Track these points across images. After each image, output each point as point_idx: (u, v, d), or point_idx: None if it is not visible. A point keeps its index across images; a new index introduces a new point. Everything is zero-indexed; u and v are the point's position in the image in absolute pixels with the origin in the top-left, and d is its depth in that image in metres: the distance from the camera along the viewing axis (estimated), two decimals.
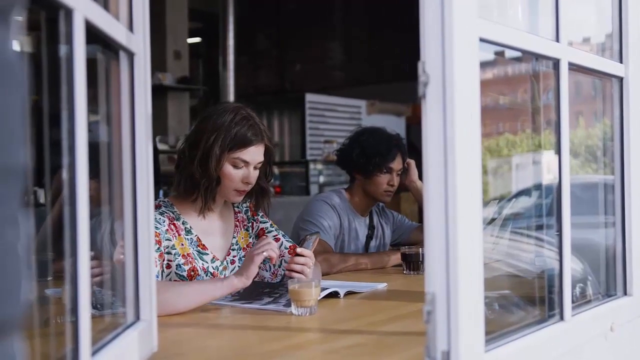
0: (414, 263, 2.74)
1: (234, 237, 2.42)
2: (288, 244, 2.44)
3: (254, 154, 2.27)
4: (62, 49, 1.05)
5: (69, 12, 1.03)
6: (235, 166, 2.26)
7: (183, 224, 2.30)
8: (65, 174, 1.05)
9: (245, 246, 2.44)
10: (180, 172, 2.29)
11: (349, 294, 2.27)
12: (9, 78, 0.58)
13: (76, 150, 1.05)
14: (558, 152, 1.58)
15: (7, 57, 0.59)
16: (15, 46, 0.60)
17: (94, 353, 1.13)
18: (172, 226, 2.23)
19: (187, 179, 2.27)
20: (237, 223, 2.45)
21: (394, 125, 6.42)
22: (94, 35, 1.15)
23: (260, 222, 2.49)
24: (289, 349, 1.63)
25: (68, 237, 1.05)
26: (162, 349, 1.51)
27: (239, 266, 2.36)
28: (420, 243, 3.03)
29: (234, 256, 2.40)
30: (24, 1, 0.63)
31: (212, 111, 2.30)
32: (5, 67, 0.58)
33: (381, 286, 2.44)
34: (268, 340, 1.72)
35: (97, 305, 1.41)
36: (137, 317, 1.43)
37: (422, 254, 2.74)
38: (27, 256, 0.62)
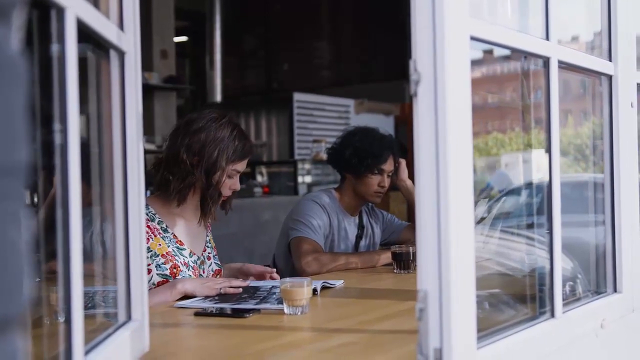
0: (404, 262, 2.75)
1: (207, 236, 2.55)
2: (215, 267, 2.55)
3: (245, 164, 2.45)
4: (54, 48, 1.04)
5: (60, 11, 1.02)
6: (229, 176, 2.39)
7: (159, 223, 2.37)
8: (56, 175, 1.04)
9: (213, 246, 2.58)
10: (178, 180, 2.34)
11: (324, 288, 2.32)
12: (11, 76, 0.58)
13: (68, 150, 1.04)
14: (548, 150, 1.59)
15: (9, 55, 0.59)
16: (17, 45, 0.60)
17: (86, 353, 1.12)
18: (146, 228, 2.26)
19: (188, 187, 2.35)
20: (208, 225, 2.58)
21: (383, 124, 6.42)
22: (84, 34, 1.14)
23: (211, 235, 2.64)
24: (281, 348, 1.63)
25: (60, 237, 1.04)
26: (154, 348, 1.51)
27: (214, 262, 2.52)
28: (410, 242, 3.04)
29: (209, 253, 2.53)
30: (25, 0, 0.63)
31: (206, 123, 2.36)
32: (7, 65, 0.58)
33: (338, 283, 2.46)
34: (260, 339, 1.72)
35: (87, 305, 1.41)
36: (129, 317, 1.42)
37: (413, 253, 2.74)
38: (28, 253, 0.62)
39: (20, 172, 0.60)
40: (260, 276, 2.50)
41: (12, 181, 0.59)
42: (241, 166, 2.41)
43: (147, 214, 2.33)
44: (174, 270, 2.31)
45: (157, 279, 2.28)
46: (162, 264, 2.30)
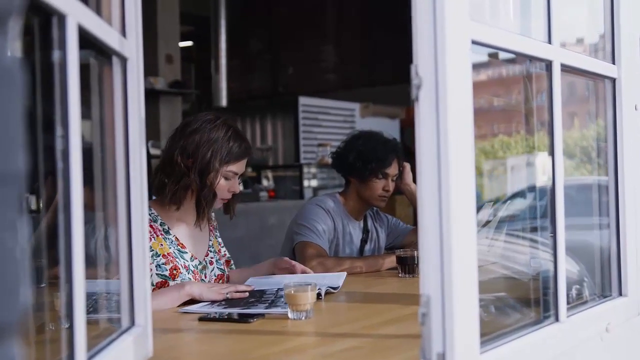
0: (408, 266, 2.74)
1: (210, 240, 2.55)
2: (218, 272, 2.54)
3: (243, 165, 2.44)
4: (55, 54, 1.05)
5: (62, 18, 1.03)
6: (226, 178, 2.39)
7: (161, 225, 2.38)
8: (58, 180, 1.05)
9: (217, 250, 2.57)
10: (173, 182, 2.34)
11: (328, 293, 2.31)
12: (8, 84, 0.58)
13: (70, 156, 1.04)
14: (551, 153, 1.58)
15: (6, 63, 0.59)
16: (14, 52, 0.61)
17: (89, 359, 1.12)
18: (149, 228, 2.28)
19: (183, 189, 2.35)
20: (211, 228, 2.58)
21: (388, 128, 6.42)
22: (86, 40, 1.15)
23: (219, 237, 2.64)
24: (285, 353, 1.63)
25: (63, 243, 1.04)
26: (157, 354, 1.51)
27: (217, 267, 2.51)
28: (414, 246, 3.03)
29: (212, 258, 2.52)
30: (21, 7, 0.63)
31: (200, 124, 2.37)
32: (3, 73, 0.58)
33: (342, 278, 2.49)
34: (264, 344, 1.71)
35: (90, 309, 1.41)
36: (132, 323, 1.43)
37: (417, 257, 2.74)
38: (25, 261, 0.62)
39: (17, 180, 0.60)
40: (291, 270, 2.53)
41: (9, 189, 0.59)
42: (237, 168, 2.40)
43: (149, 215, 2.33)
44: (174, 272, 2.31)
45: (156, 279, 2.28)
46: (163, 264, 2.30)
